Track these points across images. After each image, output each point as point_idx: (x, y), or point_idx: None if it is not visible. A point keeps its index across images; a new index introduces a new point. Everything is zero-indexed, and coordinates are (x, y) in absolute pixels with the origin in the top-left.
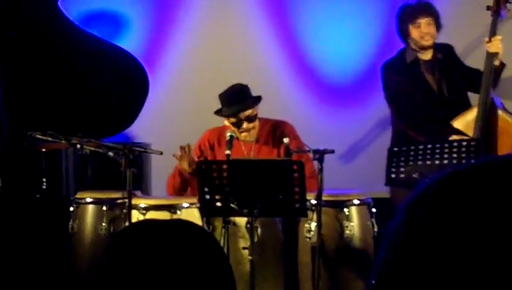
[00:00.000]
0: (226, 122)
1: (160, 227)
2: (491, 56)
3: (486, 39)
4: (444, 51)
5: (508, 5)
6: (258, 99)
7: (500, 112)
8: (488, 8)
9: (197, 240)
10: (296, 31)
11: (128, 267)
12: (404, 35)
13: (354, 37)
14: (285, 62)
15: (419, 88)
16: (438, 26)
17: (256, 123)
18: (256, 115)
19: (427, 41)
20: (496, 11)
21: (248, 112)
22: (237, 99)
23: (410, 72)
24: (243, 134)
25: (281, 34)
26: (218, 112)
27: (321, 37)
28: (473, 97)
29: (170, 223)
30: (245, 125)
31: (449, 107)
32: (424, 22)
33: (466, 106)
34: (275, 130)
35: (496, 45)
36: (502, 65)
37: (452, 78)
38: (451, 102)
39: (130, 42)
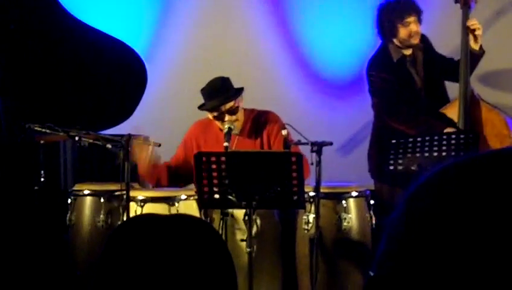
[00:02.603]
0: (210, 116)
1: (161, 222)
2: (467, 47)
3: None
4: (422, 43)
5: None
6: (239, 91)
7: (482, 102)
8: (457, 1)
9: (199, 235)
10: (294, 25)
11: (128, 262)
12: (390, 33)
13: (352, 31)
14: (283, 56)
15: (407, 86)
16: (420, 23)
17: (240, 115)
18: (238, 107)
19: (415, 40)
20: (465, 4)
21: (229, 105)
22: (218, 93)
23: (397, 71)
24: (226, 127)
25: (279, 28)
26: (201, 107)
27: (319, 30)
28: (451, 89)
29: (171, 217)
30: (227, 118)
31: (429, 101)
32: (412, 21)
33: (444, 98)
34: (258, 120)
35: (473, 25)
36: (481, 51)
37: (431, 70)
38: (431, 95)
39: (129, 35)
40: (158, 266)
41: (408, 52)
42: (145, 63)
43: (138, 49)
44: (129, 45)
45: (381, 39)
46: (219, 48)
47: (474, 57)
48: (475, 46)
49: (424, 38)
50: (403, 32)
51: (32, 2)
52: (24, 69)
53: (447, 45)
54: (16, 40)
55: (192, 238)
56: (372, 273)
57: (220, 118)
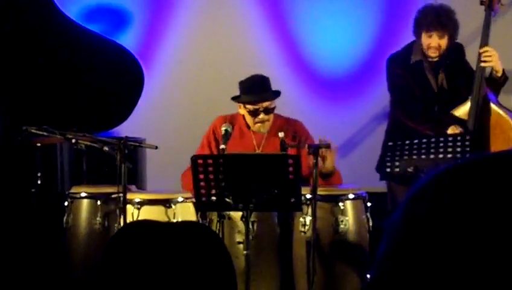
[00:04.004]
0: (240, 111)
1: (162, 228)
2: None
3: (485, 48)
4: (453, 52)
5: (502, 0)
6: (278, 93)
7: (493, 105)
8: (482, 2)
9: (201, 241)
10: (292, 26)
11: (128, 267)
12: (417, 35)
13: (349, 32)
14: (281, 57)
15: (420, 87)
16: (453, 38)
17: (271, 116)
18: (274, 108)
19: (433, 54)
20: (489, 6)
21: (267, 103)
22: (259, 89)
23: (412, 70)
24: (256, 125)
25: (277, 29)
26: (236, 98)
27: (317, 32)
28: None
29: (173, 224)
30: (261, 116)
31: (447, 108)
32: (436, 35)
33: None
34: (287, 127)
35: (485, 56)
36: (503, 76)
37: (455, 80)
38: (451, 103)
39: (126, 37)
40: (159, 272)
41: (435, 58)
42: (142, 65)
43: (135, 51)
44: (126, 47)
45: (414, 36)
46: (216, 50)
47: (496, 82)
48: (496, 73)
49: (458, 48)
50: (424, 39)
51: (29, 4)
52: (21, 72)
53: (470, 44)
54: (12, 43)
55: (194, 245)
56: (371, 276)
57: (255, 114)
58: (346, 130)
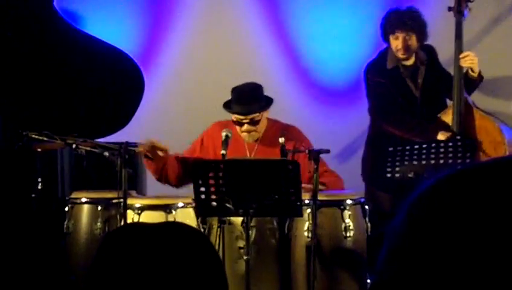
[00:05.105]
0: (233, 117)
1: (152, 230)
2: (459, 53)
3: (466, 53)
4: (427, 54)
5: (469, 4)
6: (268, 103)
7: (475, 110)
8: (450, 9)
9: (190, 243)
10: (291, 32)
11: (118, 270)
12: (386, 41)
13: (348, 38)
14: (281, 63)
15: (401, 93)
16: (421, 37)
17: (260, 126)
18: (260, 119)
19: (402, 55)
20: (459, 11)
21: (252, 116)
22: (247, 100)
23: (391, 77)
24: (243, 134)
25: (276, 35)
26: (226, 105)
27: (316, 38)
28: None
29: (163, 225)
30: (245, 127)
31: (428, 113)
32: (402, 36)
33: (442, 110)
34: (282, 133)
35: (469, 61)
36: (480, 77)
37: (431, 85)
38: (431, 107)
39: (126, 42)
40: (148, 273)
41: (408, 62)
42: (142, 71)
43: (135, 57)
44: (126, 52)
45: (384, 42)
46: (216, 55)
47: (473, 83)
48: (473, 74)
49: (429, 50)
50: (392, 43)
51: (30, 10)
52: (21, 77)
53: (441, 51)
54: (13, 48)
55: (182, 246)
56: (372, 279)
57: (240, 124)
58: (346, 136)
